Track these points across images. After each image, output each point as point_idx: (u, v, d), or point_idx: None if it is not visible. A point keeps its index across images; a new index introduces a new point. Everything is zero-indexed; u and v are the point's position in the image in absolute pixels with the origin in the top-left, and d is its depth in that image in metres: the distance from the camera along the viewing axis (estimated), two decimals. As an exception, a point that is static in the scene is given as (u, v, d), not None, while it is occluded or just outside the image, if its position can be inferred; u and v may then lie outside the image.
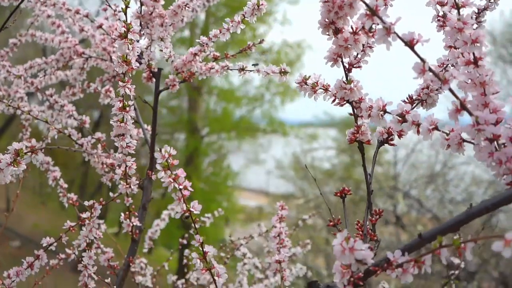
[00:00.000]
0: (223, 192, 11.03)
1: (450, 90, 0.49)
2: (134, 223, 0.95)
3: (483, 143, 0.50)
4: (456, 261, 1.07)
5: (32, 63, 1.17)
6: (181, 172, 0.61)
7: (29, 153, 0.65)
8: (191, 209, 0.62)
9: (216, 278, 0.63)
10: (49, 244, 0.90)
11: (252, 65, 0.94)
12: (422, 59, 0.49)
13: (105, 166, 0.99)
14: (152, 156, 0.97)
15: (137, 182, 0.89)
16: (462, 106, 0.50)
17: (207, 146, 11.79)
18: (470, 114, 0.50)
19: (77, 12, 1.07)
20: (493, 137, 0.49)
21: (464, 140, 0.53)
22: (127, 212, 0.94)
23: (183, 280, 1.27)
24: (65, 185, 1.07)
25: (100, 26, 1.02)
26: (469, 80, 0.54)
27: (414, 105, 0.67)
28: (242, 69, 0.93)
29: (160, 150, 0.59)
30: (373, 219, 0.61)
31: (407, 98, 0.67)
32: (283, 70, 0.84)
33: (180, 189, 0.61)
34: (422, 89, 0.67)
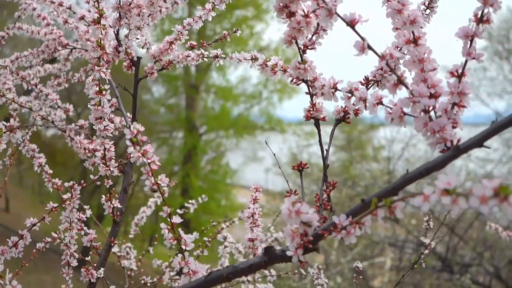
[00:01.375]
0: (222, 190, 11.08)
1: (387, 65, 0.54)
2: (115, 205, 0.99)
3: (420, 114, 0.55)
4: (427, 241, 1.11)
5: (18, 55, 1.21)
6: (149, 148, 0.66)
7: (8, 132, 0.69)
8: (158, 182, 0.66)
9: (183, 247, 0.67)
10: (33, 224, 0.94)
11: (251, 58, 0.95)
12: (362, 38, 0.54)
13: (87, 151, 1.03)
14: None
15: (116, 164, 0.93)
16: (399, 81, 0.55)
17: (205, 144, 11.84)
18: (407, 87, 0.54)
19: (60, 4, 1.11)
20: (428, 108, 0.54)
21: (405, 113, 0.58)
22: (108, 195, 0.98)
23: (166, 263, 1.32)
24: (50, 171, 1.12)
25: (82, 18, 1.07)
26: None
27: (370, 85, 0.71)
28: (216, 56, 0.97)
29: (129, 127, 0.64)
30: (328, 190, 0.65)
31: (363, 79, 0.71)
32: (254, 57, 0.88)
33: (149, 163, 0.65)
34: (377, 70, 0.71)
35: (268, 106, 11.85)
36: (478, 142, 0.50)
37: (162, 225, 0.68)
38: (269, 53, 10.06)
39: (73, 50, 1.21)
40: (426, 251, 1.08)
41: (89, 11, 1.12)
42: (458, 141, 0.54)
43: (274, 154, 0.96)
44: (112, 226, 1.02)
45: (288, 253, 0.58)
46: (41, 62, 1.20)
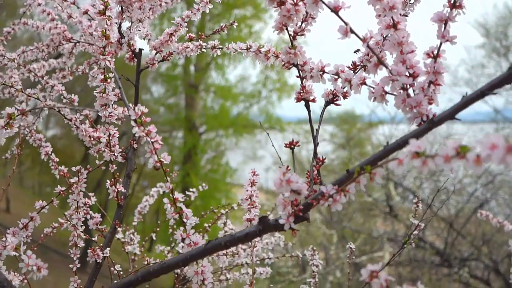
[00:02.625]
0: (222, 189, 11.12)
1: (368, 47, 0.59)
2: (119, 189, 1.05)
3: (399, 92, 0.60)
4: (415, 221, 1.16)
5: (25, 49, 1.27)
6: (152, 128, 0.71)
7: (20, 116, 0.75)
8: (161, 159, 0.71)
9: (185, 220, 0.73)
10: (42, 207, 0.99)
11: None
12: (345, 23, 0.59)
13: (92, 139, 1.09)
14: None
15: (120, 149, 0.98)
16: (379, 61, 0.60)
17: (205, 143, 11.89)
18: (387, 67, 0.60)
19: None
20: (406, 86, 0.59)
21: (386, 92, 0.63)
22: (112, 179, 1.03)
23: (169, 248, 1.37)
24: (57, 159, 1.17)
25: (86, 12, 1.12)
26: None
27: (357, 70, 0.76)
28: (214, 47, 1.03)
29: (134, 109, 0.69)
30: (317, 165, 0.70)
31: (350, 64, 0.77)
32: (248, 46, 0.94)
33: (152, 142, 0.70)
34: (363, 56, 0.76)
35: (267, 105, 11.91)
36: (450, 115, 0.55)
37: (165, 200, 0.73)
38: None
39: (77, 44, 1.26)
40: (415, 232, 1.13)
41: (93, 5, 1.17)
42: (434, 115, 0.59)
43: (277, 151, 1.00)
44: (116, 210, 1.07)
45: (281, 221, 0.63)
46: (46, 56, 1.26)
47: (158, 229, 1.50)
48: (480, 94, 0.54)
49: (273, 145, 1.03)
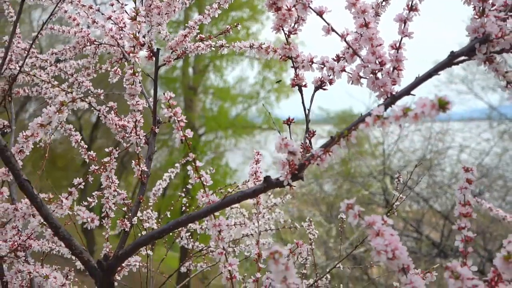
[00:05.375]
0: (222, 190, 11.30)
1: (345, 41, 0.77)
2: (143, 169, 1.23)
3: (370, 76, 0.78)
4: (396, 193, 1.34)
5: (54, 50, 1.45)
6: (178, 109, 0.89)
7: (71, 102, 0.93)
8: (186, 134, 0.89)
9: (204, 183, 0.91)
10: (79, 183, 1.17)
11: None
12: (327, 23, 0.78)
13: (117, 126, 1.27)
14: (154, 117, 1.25)
15: (145, 134, 1.17)
16: (354, 52, 0.78)
17: (204, 144, 12.06)
18: (359, 57, 0.78)
19: (90, 7, 1.35)
20: (375, 71, 0.77)
21: (360, 76, 0.81)
22: (137, 160, 1.21)
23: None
24: (86, 146, 1.35)
25: (109, 18, 1.30)
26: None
27: (340, 60, 0.94)
28: (221, 46, 1.21)
29: (164, 94, 0.87)
30: (309, 136, 0.89)
31: (335, 56, 0.95)
32: (251, 44, 1.12)
33: (179, 120, 0.89)
34: (345, 49, 0.94)
35: (265, 106, 12.08)
36: (406, 92, 0.74)
37: (189, 167, 0.91)
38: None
39: (100, 46, 1.44)
40: (397, 203, 1.31)
41: (114, 11, 1.35)
42: (397, 93, 0.77)
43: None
44: (140, 186, 1.25)
45: (281, 178, 0.81)
46: (73, 56, 1.44)
47: (172, 207, 1.68)
48: (428, 75, 0.72)
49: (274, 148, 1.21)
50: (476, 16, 0.71)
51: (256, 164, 1.19)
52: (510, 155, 7.98)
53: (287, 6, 0.83)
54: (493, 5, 0.71)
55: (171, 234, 1.79)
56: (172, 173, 1.71)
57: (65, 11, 1.46)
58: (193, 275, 1.73)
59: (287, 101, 11.97)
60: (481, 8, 0.71)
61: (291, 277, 0.62)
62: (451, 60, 0.72)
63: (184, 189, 1.89)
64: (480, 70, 9.45)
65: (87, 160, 1.31)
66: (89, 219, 0.82)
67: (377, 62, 0.78)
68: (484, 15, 0.70)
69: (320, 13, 0.77)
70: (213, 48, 1.23)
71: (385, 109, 0.72)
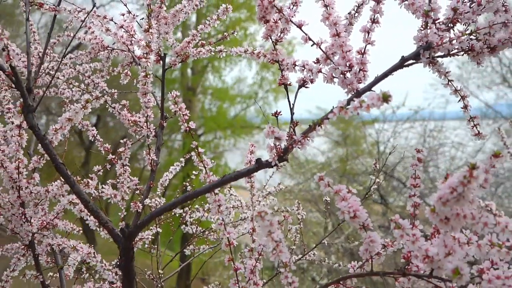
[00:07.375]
0: (221, 191, 11.42)
1: (320, 48, 0.96)
2: (153, 157, 1.41)
3: (340, 76, 0.97)
4: (372, 177, 1.52)
5: (71, 55, 1.63)
6: (183, 105, 1.08)
7: (94, 100, 1.11)
8: (189, 126, 1.08)
9: (205, 166, 1.09)
10: (98, 170, 1.36)
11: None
12: (305, 34, 0.96)
13: (130, 121, 1.45)
14: (162, 113, 1.44)
15: (155, 127, 1.35)
16: (327, 57, 0.97)
17: (203, 145, 12.24)
18: (331, 60, 0.97)
19: (105, 17, 1.53)
20: (344, 72, 0.96)
21: (333, 76, 1.00)
22: (147, 150, 1.40)
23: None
24: (101, 139, 1.53)
25: (121, 26, 1.49)
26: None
27: (319, 63, 1.13)
28: (220, 51, 1.40)
29: (171, 92, 1.06)
30: (293, 125, 1.07)
31: (315, 59, 1.13)
32: (246, 49, 1.30)
33: (183, 114, 1.07)
34: (321, 54, 1.13)
35: (264, 106, 12.28)
36: (368, 88, 0.92)
37: (193, 152, 1.10)
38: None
39: (112, 51, 1.63)
40: (373, 187, 1.49)
41: (124, 20, 1.54)
42: (361, 89, 0.96)
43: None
44: (150, 173, 1.44)
45: (269, 159, 1.00)
46: (89, 60, 1.62)
47: (178, 196, 1.86)
48: (385, 75, 0.91)
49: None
50: (422, 28, 0.90)
51: (250, 154, 1.37)
52: (503, 152, 8.17)
53: (273, 19, 1.01)
54: (436, 20, 0.90)
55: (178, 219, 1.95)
56: (178, 166, 1.91)
57: (82, 21, 1.64)
58: (194, 256, 1.91)
59: (285, 102, 12.09)
60: (425, 21, 0.89)
61: (275, 231, 0.80)
62: (402, 63, 0.90)
63: (184, 187, 2.08)
64: (475, 69, 9.63)
65: (103, 152, 1.49)
66: (112, 195, 1.01)
67: (347, 65, 0.97)
68: (428, 27, 0.89)
69: (299, 26, 0.96)
70: (213, 53, 1.42)
71: (348, 103, 0.91)
